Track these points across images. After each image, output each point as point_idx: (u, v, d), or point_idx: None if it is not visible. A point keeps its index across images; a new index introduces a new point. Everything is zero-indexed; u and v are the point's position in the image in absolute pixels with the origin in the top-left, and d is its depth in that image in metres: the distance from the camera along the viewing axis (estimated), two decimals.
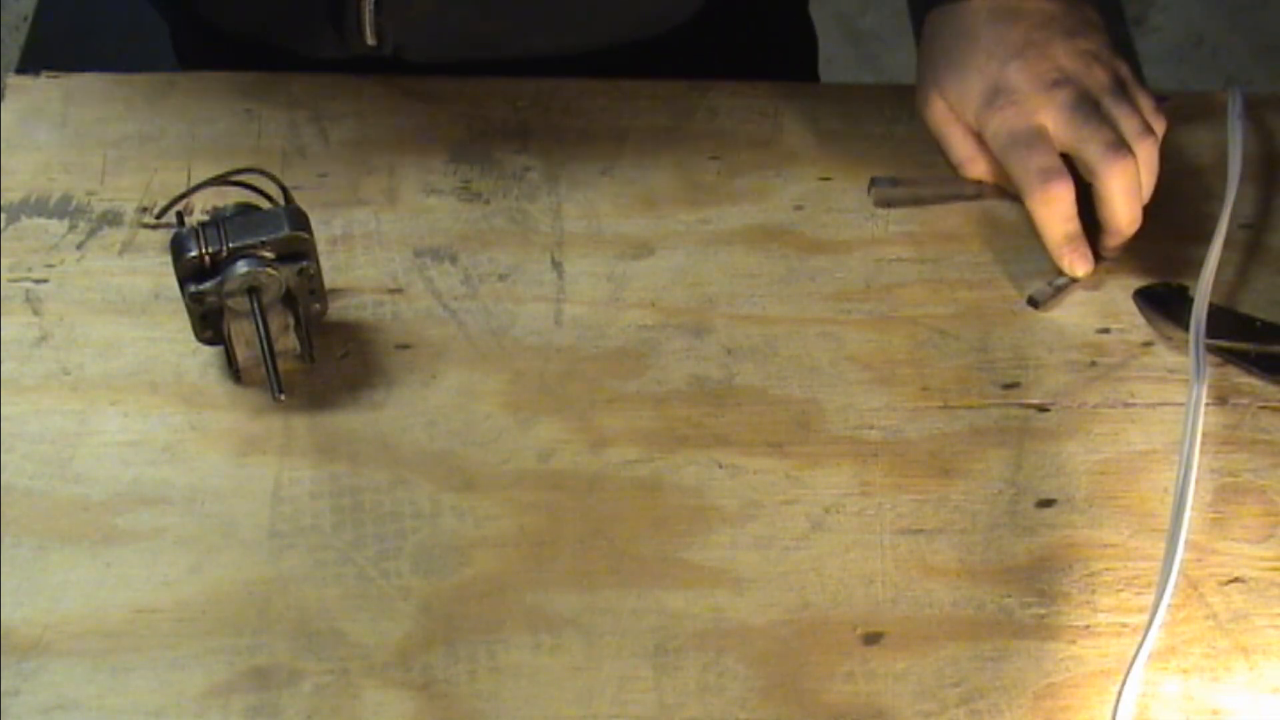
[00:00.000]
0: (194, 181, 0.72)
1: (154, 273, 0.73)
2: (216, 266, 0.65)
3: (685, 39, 0.89)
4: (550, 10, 0.85)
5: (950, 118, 0.77)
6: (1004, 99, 0.74)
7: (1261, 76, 1.90)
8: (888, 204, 0.78)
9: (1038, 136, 0.73)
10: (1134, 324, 0.74)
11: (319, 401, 0.69)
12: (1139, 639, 0.62)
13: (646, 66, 0.83)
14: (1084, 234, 0.74)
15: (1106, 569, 0.66)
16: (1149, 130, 0.74)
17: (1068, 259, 0.74)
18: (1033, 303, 0.74)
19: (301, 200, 0.69)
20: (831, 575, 0.65)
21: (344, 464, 0.67)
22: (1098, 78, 0.74)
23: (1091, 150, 0.72)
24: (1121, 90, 0.75)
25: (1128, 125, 0.73)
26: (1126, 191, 0.73)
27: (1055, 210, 0.73)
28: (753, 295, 0.74)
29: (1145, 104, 0.75)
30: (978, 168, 0.77)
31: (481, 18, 0.83)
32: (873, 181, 0.78)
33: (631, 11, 0.87)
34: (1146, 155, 0.73)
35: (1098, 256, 0.75)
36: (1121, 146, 0.72)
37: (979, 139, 0.76)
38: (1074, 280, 0.75)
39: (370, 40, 0.82)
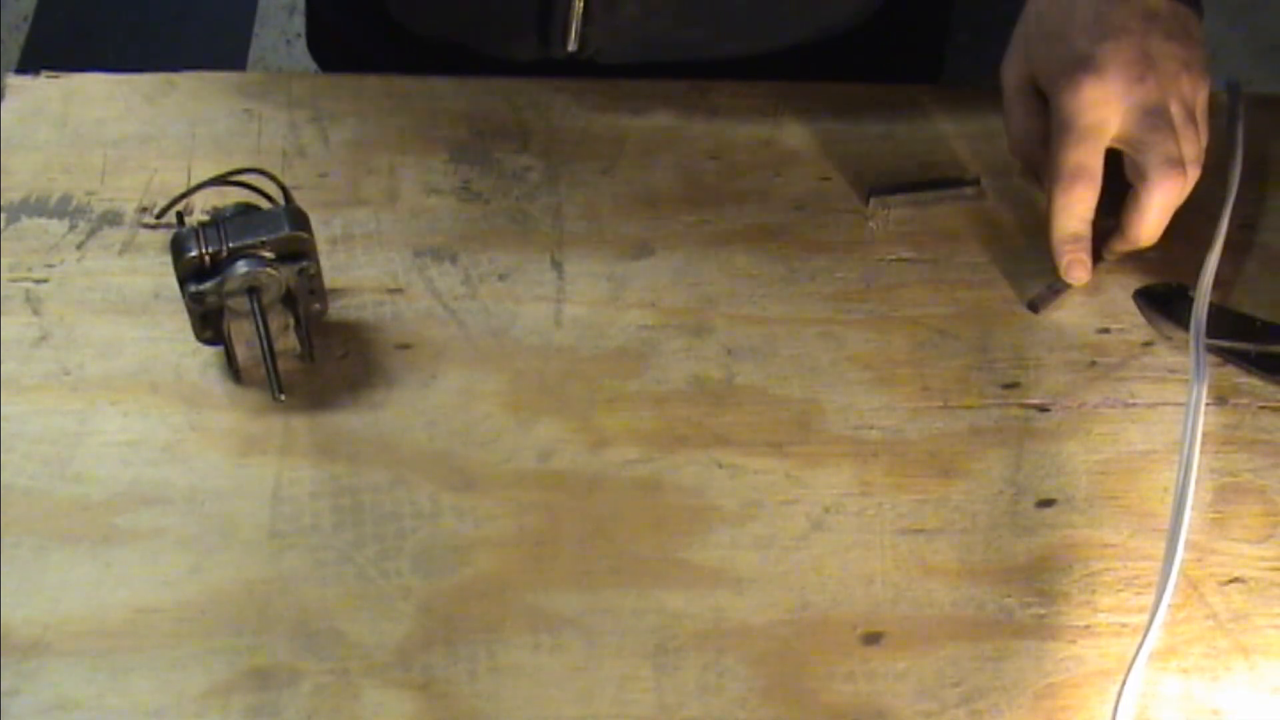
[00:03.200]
0: (194, 181, 0.72)
1: (154, 273, 0.73)
2: (216, 266, 0.65)
3: (861, 41, 0.89)
4: (747, 17, 0.86)
5: (1025, 88, 0.76)
6: (1086, 74, 0.72)
7: (1261, 76, 1.90)
8: (886, 209, 0.78)
9: (1094, 131, 0.72)
10: (1134, 324, 0.74)
11: (319, 401, 0.69)
12: (1139, 639, 0.62)
13: (825, 67, 0.84)
14: (1090, 241, 0.74)
15: (1106, 569, 0.66)
16: (1199, 163, 0.73)
17: (1066, 260, 0.74)
18: (1032, 307, 0.74)
19: (301, 200, 0.69)
20: (831, 575, 0.65)
21: (344, 464, 0.67)
22: (1181, 90, 0.73)
23: (1152, 158, 0.71)
24: (1193, 115, 0.73)
25: (1187, 149, 0.72)
26: (1164, 209, 0.73)
27: (1072, 208, 0.73)
28: (753, 295, 0.74)
29: (1203, 138, 0.74)
30: (1026, 149, 0.76)
31: (683, 26, 0.84)
32: (870, 190, 0.78)
33: (818, 15, 0.87)
34: (1190, 184, 0.73)
35: (1100, 256, 0.75)
36: (1180, 165, 0.72)
37: (1040, 120, 0.75)
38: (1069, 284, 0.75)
39: (572, 46, 0.84)
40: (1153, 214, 0.73)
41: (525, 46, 0.85)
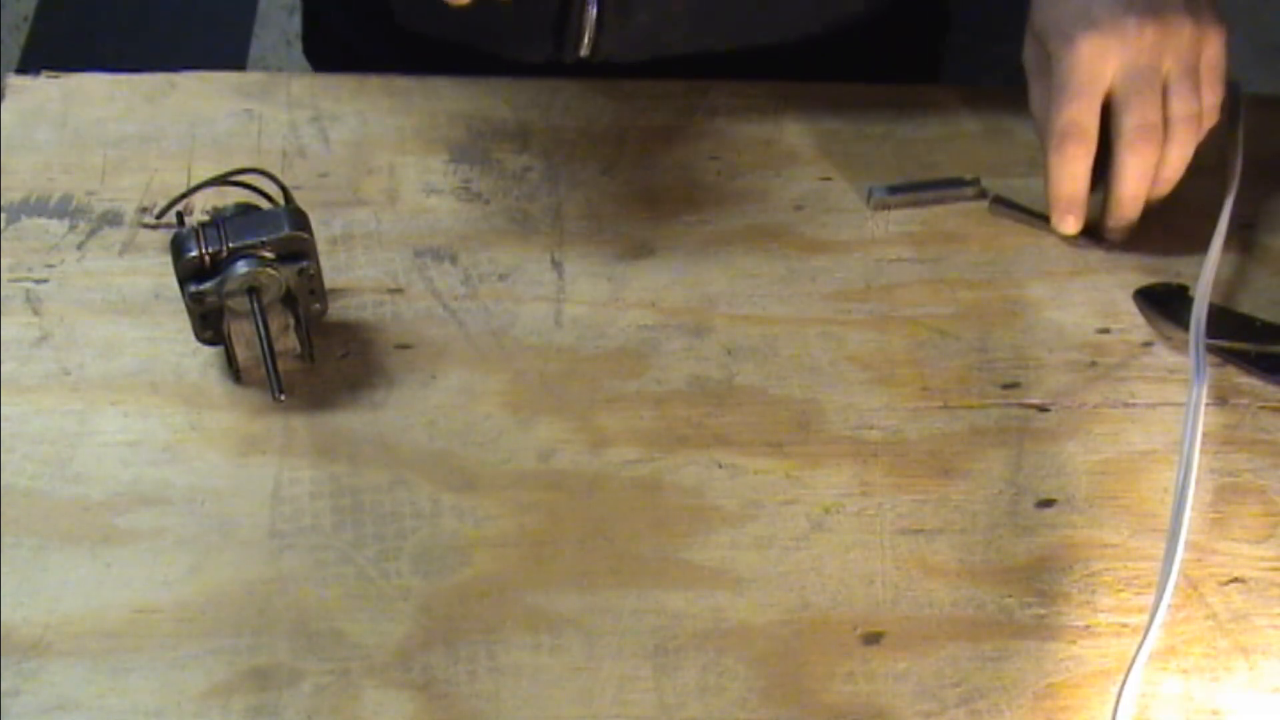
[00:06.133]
0: (194, 181, 0.72)
1: (154, 273, 0.73)
2: (216, 266, 0.65)
3: (863, 38, 0.89)
4: (760, 23, 0.86)
5: (1043, 66, 0.75)
6: (1081, 30, 0.71)
7: (1261, 76, 1.90)
8: (886, 209, 0.78)
9: (1088, 88, 0.71)
10: (1134, 324, 0.74)
11: (319, 401, 0.69)
12: (1139, 639, 0.62)
13: (825, 64, 0.84)
14: (1088, 201, 0.74)
15: (1106, 569, 0.66)
16: (1194, 120, 0.72)
17: (1059, 216, 0.74)
18: (990, 197, 0.76)
19: (301, 200, 0.69)
20: (831, 575, 0.65)
21: (344, 464, 0.67)
22: (1181, 43, 0.71)
23: (1126, 122, 0.71)
24: (1194, 67, 0.72)
25: (1179, 106, 0.72)
26: (1139, 173, 0.73)
27: (1065, 167, 0.73)
28: (753, 295, 0.74)
29: (1208, 93, 0.73)
30: (1044, 129, 0.75)
31: (696, 32, 0.84)
32: (870, 191, 0.78)
33: (826, 9, 0.87)
34: (1180, 145, 0.73)
35: (1101, 237, 0.75)
36: (1152, 133, 0.71)
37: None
38: (1045, 219, 0.75)
39: (584, 52, 0.84)
40: (1127, 177, 0.73)
41: (538, 50, 0.85)
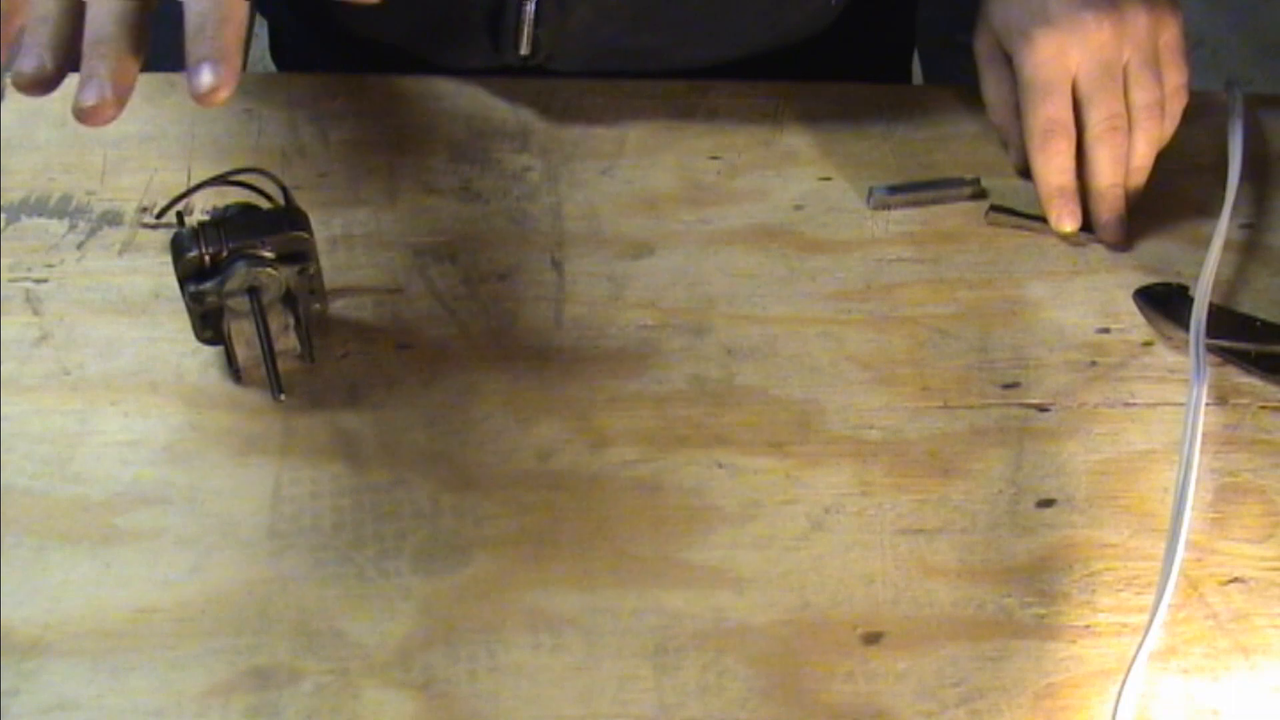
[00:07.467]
0: (194, 181, 0.72)
1: (154, 273, 0.73)
2: (216, 266, 0.65)
3: (820, 50, 0.89)
4: (702, 25, 0.85)
5: (995, 54, 0.77)
6: (1039, 28, 0.73)
7: (1261, 76, 1.90)
8: (886, 209, 0.78)
9: (1058, 85, 0.73)
10: (1134, 324, 0.74)
11: (319, 401, 0.69)
12: (1139, 639, 0.62)
13: (779, 65, 0.85)
14: (1077, 191, 0.75)
15: (1106, 569, 0.66)
16: (1157, 108, 0.74)
17: (1055, 211, 0.75)
18: (989, 207, 0.76)
19: (301, 200, 0.69)
20: (831, 575, 0.65)
21: (344, 464, 0.67)
22: (1139, 32, 0.73)
23: (1092, 116, 0.73)
24: (1153, 55, 0.74)
25: (1139, 95, 0.74)
26: (1112, 164, 0.74)
27: (1051, 162, 0.74)
28: (753, 295, 0.74)
29: (1171, 78, 0.75)
30: (1000, 115, 0.78)
31: (636, 32, 0.84)
32: (870, 191, 0.78)
33: (776, 23, 0.87)
34: (1145, 133, 0.74)
35: (1098, 234, 0.76)
36: (1118, 125, 0.73)
37: (1011, 86, 0.76)
38: (1044, 221, 0.76)
39: (524, 50, 0.83)
40: (1101, 165, 0.74)
41: (477, 52, 0.84)
